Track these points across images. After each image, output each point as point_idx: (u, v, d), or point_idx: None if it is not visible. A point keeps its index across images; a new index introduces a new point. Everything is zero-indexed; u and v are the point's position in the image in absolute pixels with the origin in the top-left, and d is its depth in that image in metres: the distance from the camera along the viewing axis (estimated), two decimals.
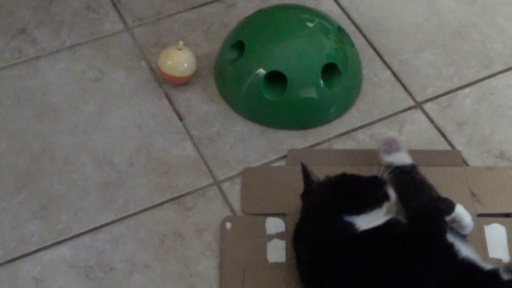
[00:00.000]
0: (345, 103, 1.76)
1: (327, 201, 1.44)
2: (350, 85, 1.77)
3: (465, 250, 1.40)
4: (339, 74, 1.72)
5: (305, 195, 1.50)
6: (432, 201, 1.48)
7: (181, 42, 1.76)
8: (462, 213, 1.45)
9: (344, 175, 1.50)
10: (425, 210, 1.44)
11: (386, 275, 1.36)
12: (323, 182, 1.49)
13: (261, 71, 1.70)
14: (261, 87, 1.70)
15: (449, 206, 1.44)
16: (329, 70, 1.71)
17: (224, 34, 1.85)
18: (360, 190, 1.46)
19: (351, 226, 1.41)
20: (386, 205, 1.45)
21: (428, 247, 1.38)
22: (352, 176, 1.50)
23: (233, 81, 1.76)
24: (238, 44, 1.76)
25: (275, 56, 1.72)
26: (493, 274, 1.38)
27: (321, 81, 1.70)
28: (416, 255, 1.37)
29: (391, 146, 1.63)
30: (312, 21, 1.76)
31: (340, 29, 1.79)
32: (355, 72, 1.79)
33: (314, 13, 1.80)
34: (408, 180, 1.58)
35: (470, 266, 1.39)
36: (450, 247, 1.39)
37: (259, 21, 1.79)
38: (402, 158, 1.61)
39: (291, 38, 1.74)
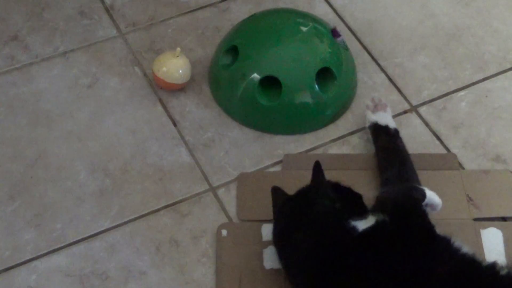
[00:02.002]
0: (340, 108, 1.76)
1: (334, 205, 1.43)
2: (345, 89, 1.76)
3: (465, 247, 1.40)
4: (333, 78, 1.72)
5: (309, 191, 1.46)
6: (406, 193, 1.47)
7: (178, 49, 1.75)
8: (431, 195, 1.47)
9: (337, 183, 1.48)
10: (403, 204, 1.44)
11: (393, 273, 1.36)
12: (325, 185, 1.47)
13: (256, 76, 1.69)
14: (255, 92, 1.70)
15: (422, 194, 1.46)
16: (324, 75, 1.71)
17: (218, 39, 1.85)
18: (355, 198, 1.45)
19: (353, 229, 1.41)
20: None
21: (422, 240, 1.39)
22: (342, 184, 1.48)
23: (227, 86, 1.75)
24: (232, 49, 1.75)
25: (269, 61, 1.71)
26: (491, 269, 1.38)
27: (316, 86, 1.70)
28: (416, 250, 1.38)
29: (378, 104, 1.69)
30: (306, 25, 1.76)
31: None
32: (349, 76, 1.78)
33: (308, 17, 1.80)
34: (389, 143, 1.63)
35: (470, 261, 1.39)
36: (447, 241, 1.40)
37: (253, 26, 1.79)
38: (387, 119, 1.66)
39: (285, 43, 1.73)
